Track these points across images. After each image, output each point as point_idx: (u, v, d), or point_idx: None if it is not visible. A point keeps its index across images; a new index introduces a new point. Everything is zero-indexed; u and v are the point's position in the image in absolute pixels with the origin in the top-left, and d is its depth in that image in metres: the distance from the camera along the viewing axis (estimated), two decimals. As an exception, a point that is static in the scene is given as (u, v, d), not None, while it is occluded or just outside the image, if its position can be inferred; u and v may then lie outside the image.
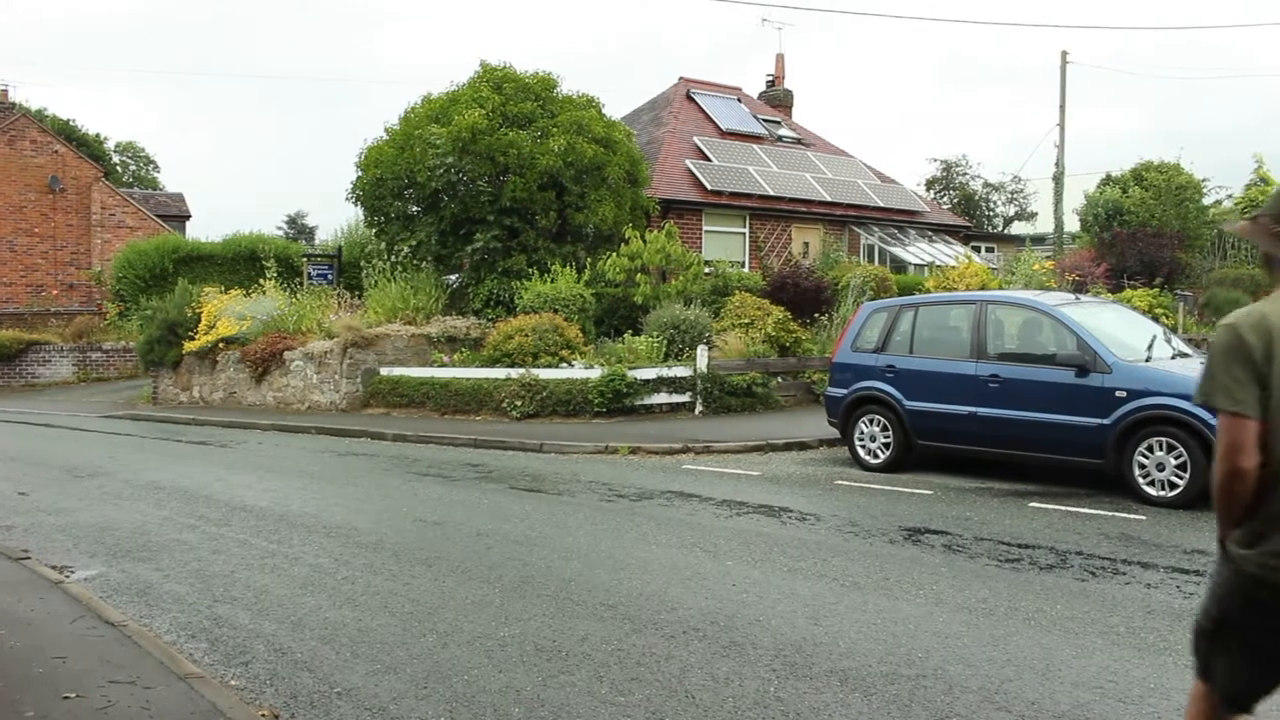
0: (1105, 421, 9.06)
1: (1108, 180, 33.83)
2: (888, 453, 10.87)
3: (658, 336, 16.83)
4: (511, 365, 16.28)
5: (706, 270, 20.27)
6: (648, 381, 15.64)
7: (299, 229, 51.27)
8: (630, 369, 15.53)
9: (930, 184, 43.98)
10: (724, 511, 8.83)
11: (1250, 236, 2.90)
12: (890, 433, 10.85)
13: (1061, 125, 33.12)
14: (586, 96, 20.97)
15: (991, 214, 44.70)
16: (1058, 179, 33.24)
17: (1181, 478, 8.59)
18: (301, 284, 22.72)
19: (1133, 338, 9.84)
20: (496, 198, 19.09)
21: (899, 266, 24.67)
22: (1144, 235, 26.55)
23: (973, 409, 10.06)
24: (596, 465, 11.80)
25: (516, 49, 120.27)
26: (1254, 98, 77.67)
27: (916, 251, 25.74)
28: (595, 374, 15.50)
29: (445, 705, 4.50)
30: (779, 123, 29.23)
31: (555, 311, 17.39)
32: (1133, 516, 8.31)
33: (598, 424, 14.90)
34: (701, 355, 15.79)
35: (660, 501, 9.36)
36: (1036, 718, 4.27)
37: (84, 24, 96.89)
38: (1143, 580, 6.42)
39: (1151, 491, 8.77)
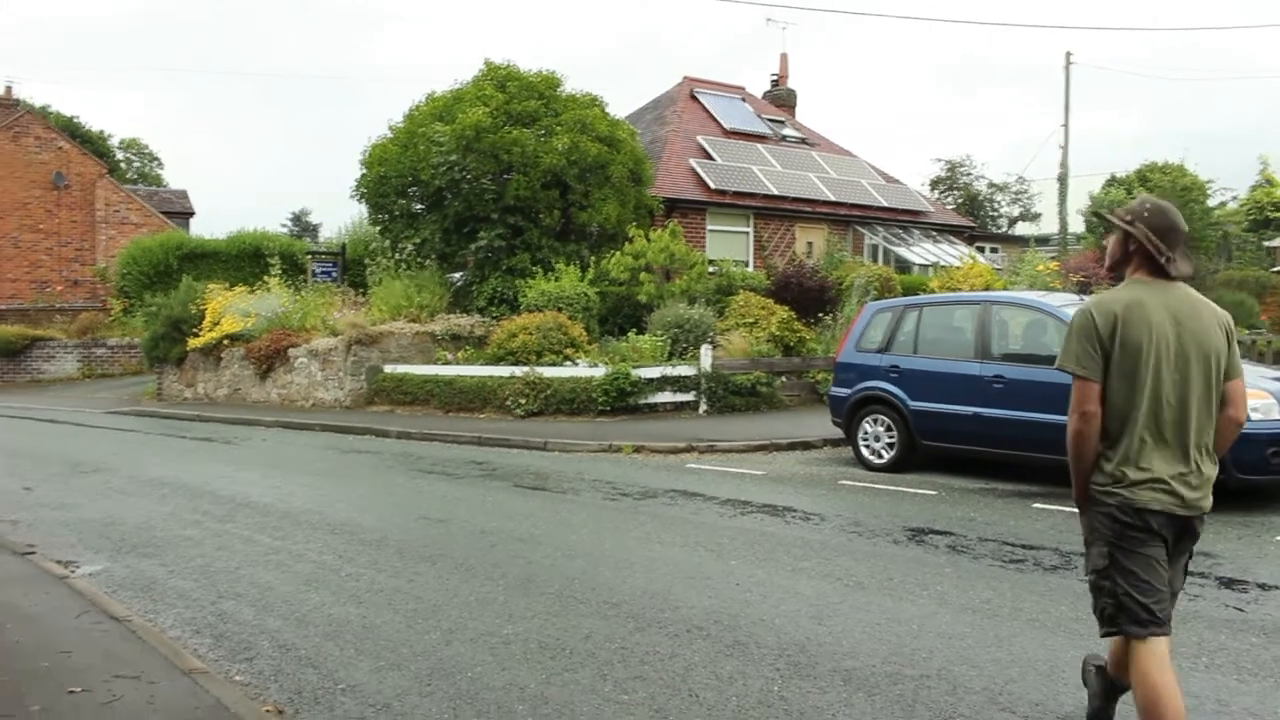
0: (1109, 423, 9.03)
1: (1112, 181, 33.88)
2: (892, 453, 10.86)
3: (662, 335, 16.84)
4: (515, 363, 16.29)
5: (710, 269, 20.28)
6: (652, 380, 15.65)
7: (303, 226, 51.34)
8: (634, 368, 15.54)
9: (934, 184, 43.96)
10: (728, 511, 8.83)
11: (1116, 226, 3.81)
12: (894, 433, 10.85)
13: (1066, 126, 33.12)
14: (590, 95, 20.98)
15: (996, 214, 44.67)
16: (1062, 180, 33.21)
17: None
18: (306, 281, 22.76)
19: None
20: (500, 196, 19.11)
21: (903, 267, 24.65)
22: (1148, 237, 26.45)
23: (977, 409, 10.05)
24: (600, 464, 11.80)
25: (520, 50, 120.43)
26: (1258, 99, 77.58)
27: (921, 252, 25.72)
28: (599, 372, 15.51)
29: (449, 702, 4.50)
30: (783, 122, 29.22)
31: (559, 310, 17.40)
32: (1137, 518, 8.29)
33: (602, 422, 14.91)
34: (705, 354, 15.80)
35: (664, 500, 9.37)
36: (1040, 719, 4.27)
37: (88, 22, 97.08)
38: (1147, 582, 6.40)
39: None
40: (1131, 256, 3.78)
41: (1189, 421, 3.61)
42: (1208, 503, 3.64)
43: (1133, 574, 3.56)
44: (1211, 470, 3.66)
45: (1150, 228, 3.71)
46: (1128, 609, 3.56)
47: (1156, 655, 3.51)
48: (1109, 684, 4.09)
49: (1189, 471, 3.59)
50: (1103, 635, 3.74)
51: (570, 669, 4.88)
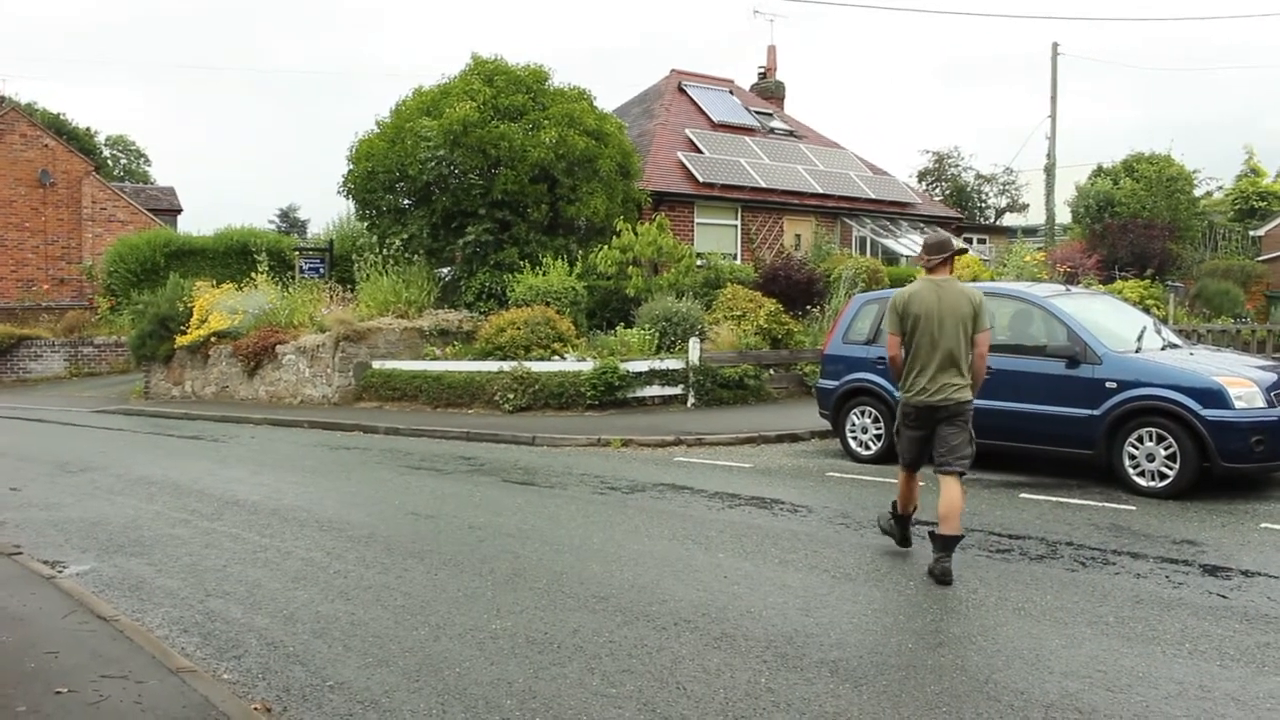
0: (1095, 412, 9.10)
1: (1099, 172, 33.96)
2: (879, 444, 10.89)
3: (650, 329, 16.84)
4: (504, 358, 16.27)
5: (698, 263, 20.27)
6: (640, 374, 15.66)
7: (291, 223, 51.09)
8: (622, 362, 15.54)
9: (922, 176, 44.01)
10: (716, 504, 8.85)
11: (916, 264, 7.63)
12: (882, 424, 10.88)
13: (1053, 117, 33.20)
14: (578, 89, 20.93)
15: (983, 206, 44.76)
16: (1049, 170, 33.31)
17: (1171, 468, 8.64)
18: (293, 278, 22.65)
19: (1123, 329, 9.87)
20: (488, 190, 19.07)
21: (891, 258, 24.68)
22: (1135, 226, 26.62)
23: (964, 400, 10.07)
24: (589, 458, 11.81)
25: (509, 45, 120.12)
26: (1244, 89, 77.86)
27: (908, 243, 25.75)
28: (587, 367, 15.51)
29: (437, 698, 4.51)
30: (771, 115, 29.20)
31: (547, 304, 17.38)
32: (1123, 507, 8.36)
33: (590, 417, 14.92)
34: (694, 348, 15.81)
35: (652, 494, 9.38)
36: (1025, 707, 4.30)
37: (75, 18, 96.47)
38: (1132, 570, 6.45)
39: (1141, 482, 8.81)
40: (922, 265, 6.82)
41: (935, 358, 6.47)
42: (940, 398, 6.51)
43: (904, 442, 6.84)
44: (956, 378, 6.51)
45: (925, 249, 6.77)
46: (913, 454, 6.82)
47: (913, 480, 6.89)
48: (898, 515, 7.06)
49: (930, 384, 6.51)
50: (901, 463, 6.94)
51: (558, 663, 4.90)
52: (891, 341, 6.69)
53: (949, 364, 6.45)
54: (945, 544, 6.27)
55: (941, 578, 6.16)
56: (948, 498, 6.37)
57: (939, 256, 6.62)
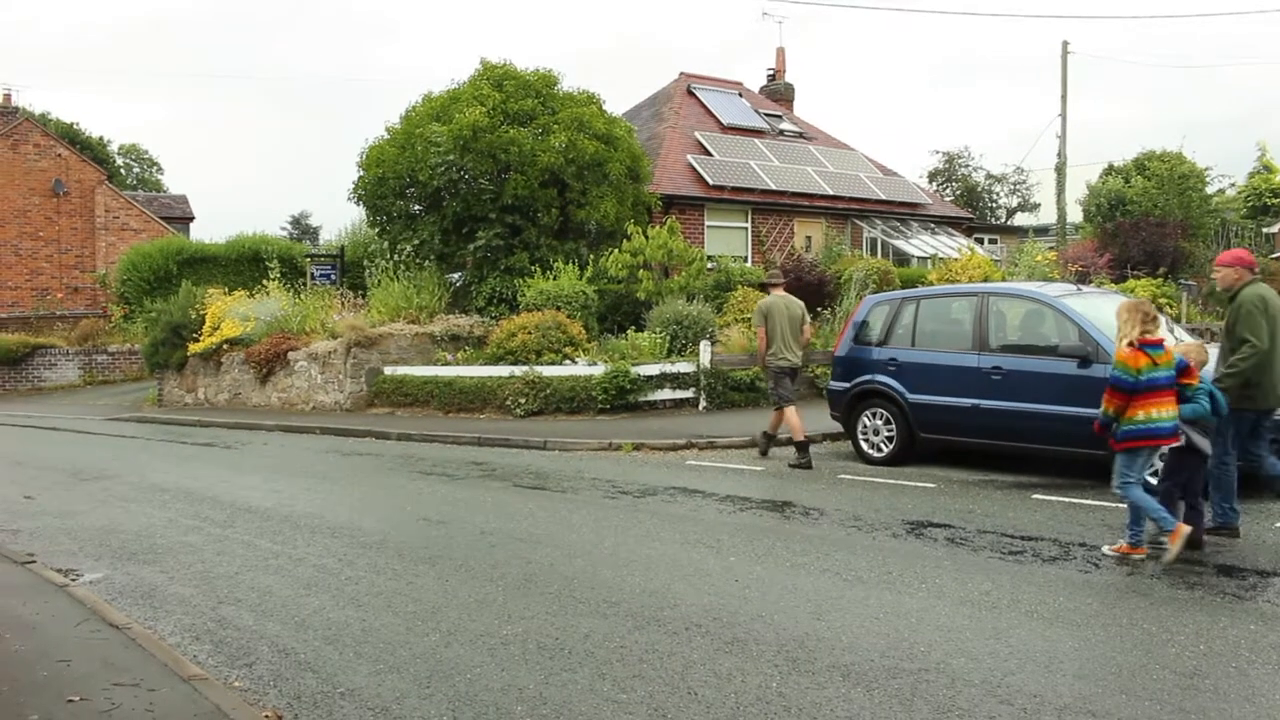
0: (1108, 412, 9.03)
1: (1110, 170, 33.81)
2: (891, 446, 10.86)
3: (660, 332, 16.83)
4: (515, 363, 16.29)
5: (709, 265, 20.27)
6: (651, 378, 15.65)
7: (303, 229, 51.29)
8: (633, 365, 15.53)
9: (932, 176, 43.95)
10: (727, 507, 8.84)
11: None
12: (893, 426, 10.84)
13: (1063, 116, 33.07)
14: (587, 93, 20.95)
15: (994, 205, 44.66)
16: (1060, 169, 33.16)
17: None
18: (305, 284, 22.76)
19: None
20: (498, 195, 19.10)
21: (902, 259, 24.61)
22: (1147, 225, 26.46)
23: (975, 401, 10.05)
24: (600, 462, 11.81)
25: (518, 51, 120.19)
26: (1255, 85, 77.41)
27: (919, 244, 25.70)
28: (598, 371, 15.51)
29: (448, 705, 4.51)
30: (780, 116, 29.18)
31: (558, 309, 17.39)
32: (1136, 507, 8.29)
33: (601, 421, 14.91)
34: (704, 351, 15.79)
35: (664, 498, 9.37)
36: (1039, 711, 4.27)
37: (87, 28, 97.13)
38: (1145, 571, 6.41)
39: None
40: (773, 285, 11.84)
41: (790, 339, 11.26)
42: (800, 362, 11.49)
43: (781, 388, 11.19)
44: (799, 353, 11.41)
45: (774, 276, 12.21)
46: (782, 397, 11.16)
47: (792, 411, 11.04)
48: (768, 437, 11.68)
49: (790, 353, 11.25)
50: (782, 404, 11.20)
51: (569, 669, 4.89)
52: (761, 331, 11.36)
53: (796, 342, 11.35)
54: (804, 447, 10.96)
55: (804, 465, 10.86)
56: (794, 418, 11.08)
57: (781, 281, 12.05)
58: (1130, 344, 6.73)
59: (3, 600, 6.11)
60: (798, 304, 11.53)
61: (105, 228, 32.63)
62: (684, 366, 15.88)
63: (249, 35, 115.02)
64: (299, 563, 7.22)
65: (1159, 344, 6.74)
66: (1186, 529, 6.54)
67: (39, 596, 6.23)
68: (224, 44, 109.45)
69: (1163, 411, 6.68)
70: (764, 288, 12.42)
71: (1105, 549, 6.91)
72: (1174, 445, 6.82)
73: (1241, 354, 7.02)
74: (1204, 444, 6.92)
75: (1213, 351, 7.90)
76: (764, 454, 11.65)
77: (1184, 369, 6.81)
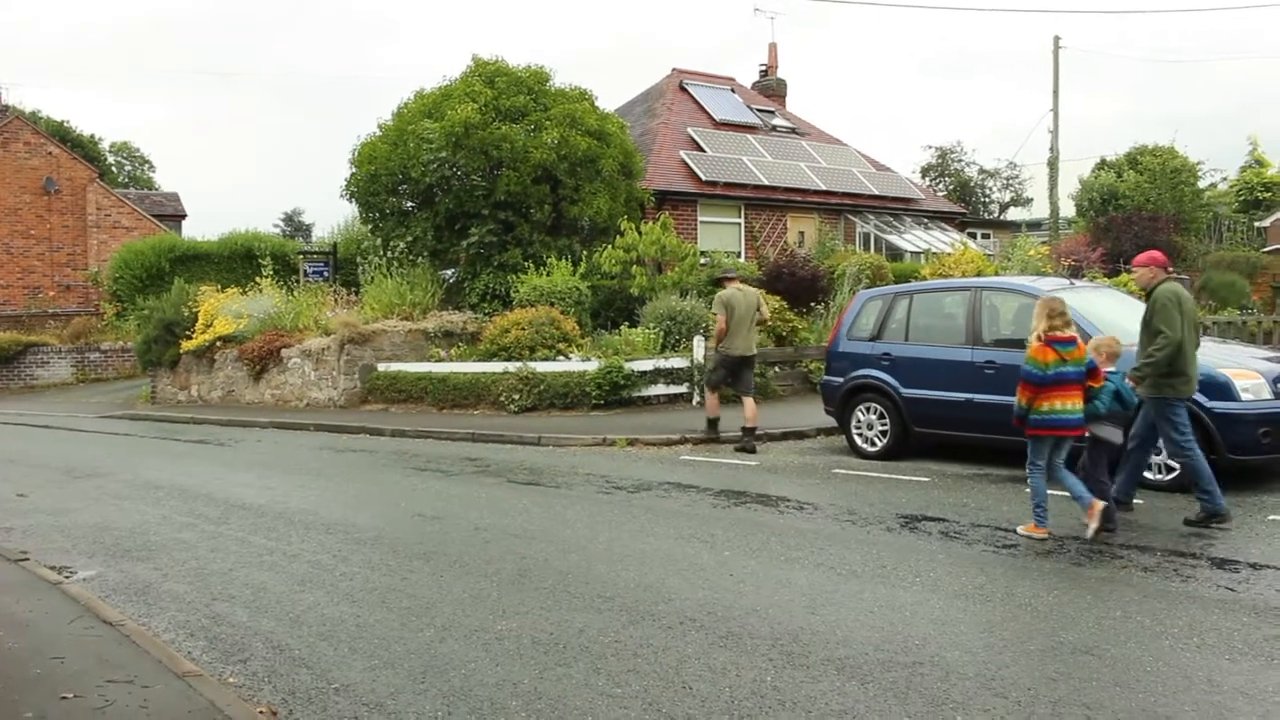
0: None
1: (1102, 165, 33.87)
2: (885, 440, 10.88)
3: (654, 328, 16.83)
4: (508, 359, 16.27)
5: (702, 261, 20.26)
6: (645, 373, 15.65)
7: (295, 226, 51.13)
8: (627, 361, 15.53)
9: (925, 171, 43.97)
10: (721, 502, 8.84)
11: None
12: (887, 420, 10.86)
13: (1055, 110, 33.13)
14: (579, 89, 20.92)
15: (987, 200, 44.70)
16: (1052, 164, 33.23)
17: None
18: (298, 281, 22.70)
19: (1128, 322, 9.81)
20: (491, 192, 19.07)
21: (895, 254, 24.63)
22: (1139, 219, 26.54)
23: (969, 395, 10.07)
24: (594, 457, 11.81)
25: (512, 48, 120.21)
26: (1247, 80, 77.64)
27: (912, 239, 25.72)
28: (592, 366, 15.50)
29: (443, 700, 4.51)
30: (773, 112, 29.17)
31: (551, 305, 17.38)
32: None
33: (595, 416, 14.91)
34: (698, 346, 15.79)
35: (658, 493, 9.38)
36: (1033, 703, 4.29)
37: (87, 28, 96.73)
38: (1139, 564, 6.43)
39: (1148, 475, 8.77)
40: (729, 279, 12.40)
41: (745, 330, 11.87)
42: (752, 352, 12.09)
43: (727, 376, 12.21)
44: (754, 340, 12.12)
45: (728, 274, 12.66)
46: (711, 382, 12.65)
47: (717, 396, 12.54)
48: (711, 421, 12.47)
49: (744, 344, 11.89)
50: (710, 388, 12.69)
51: (564, 664, 4.89)
52: (720, 319, 11.81)
53: (753, 332, 12.04)
54: (750, 433, 11.75)
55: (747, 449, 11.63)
56: (751, 408, 11.83)
57: (735, 276, 12.66)
58: (1039, 339, 7.21)
59: (-4, 598, 6.09)
60: (754, 293, 12.31)
61: (97, 225, 32.49)
62: (678, 362, 15.89)
63: (249, 35, 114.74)
64: (293, 559, 7.21)
65: (1069, 340, 7.22)
66: (1101, 504, 7.06)
67: (32, 594, 6.21)
68: (224, 44, 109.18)
69: (1067, 404, 7.20)
70: (719, 282, 12.90)
71: (1019, 529, 7.37)
72: (1081, 435, 7.38)
73: (1157, 344, 7.53)
74: (1112, 435, 7.44)
75: (1210, 344, 8.07)
76: (751, 450, 11.70)
77: (1092, 371, 7.32)
